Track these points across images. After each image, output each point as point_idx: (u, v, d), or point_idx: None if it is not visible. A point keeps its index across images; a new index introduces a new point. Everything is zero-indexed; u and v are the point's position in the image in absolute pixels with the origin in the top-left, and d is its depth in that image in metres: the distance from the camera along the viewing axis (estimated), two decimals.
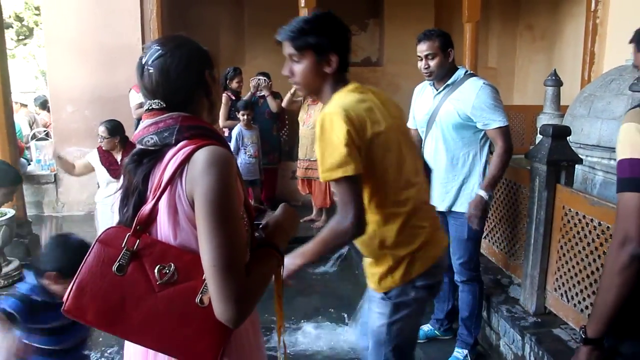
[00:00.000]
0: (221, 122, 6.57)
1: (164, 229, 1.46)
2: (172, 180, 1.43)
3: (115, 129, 4.87)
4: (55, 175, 7.30)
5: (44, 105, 9.22)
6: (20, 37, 17.86)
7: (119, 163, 4.95)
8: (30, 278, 2.40)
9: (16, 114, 7.36)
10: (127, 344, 1.61)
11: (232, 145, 6.28)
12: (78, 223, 6.91)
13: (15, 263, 5.05)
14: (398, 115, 2.24)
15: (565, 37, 9.67)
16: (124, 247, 1.43)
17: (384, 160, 2.07)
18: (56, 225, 6.92)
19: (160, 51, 1.52)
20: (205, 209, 1.39)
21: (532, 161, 3.48)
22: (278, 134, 6.65)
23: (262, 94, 6.71)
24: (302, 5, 7.19)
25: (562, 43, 9.71)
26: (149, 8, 7.15)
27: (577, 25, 9.01)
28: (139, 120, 6.24)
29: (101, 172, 4.88)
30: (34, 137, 8.14)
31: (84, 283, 1.42)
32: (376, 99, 2.14)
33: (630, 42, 2.15)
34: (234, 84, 6.74)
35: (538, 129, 5.67)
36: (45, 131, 8.39)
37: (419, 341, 3.94)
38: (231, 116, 6.48)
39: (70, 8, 7.06)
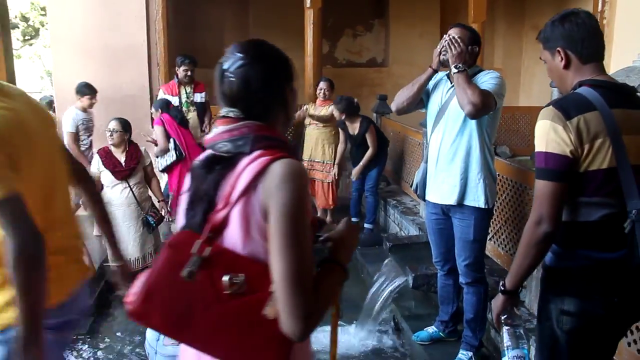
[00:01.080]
0: None
1: (233, 237, 1.43)
2: (247, 190, 1.41)
3: (127, 125, 5.01)
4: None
5: (50, 105, 9.21)
6: (26, 38, 17.93)
7: (123, 165, 4.95)
8: None
9: None
10: (183, 351, 1.61)
11: None
12: (82, 222, 6.90)
13: None
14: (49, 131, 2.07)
15: None
16: (195, 253, 1.40)
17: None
18: None
19: (243, 60, 1.50)
20: (280, 223, 1.37)
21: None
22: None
23: None
24: (308, 5, 7.18)
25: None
26: (155, 9, 7.17)
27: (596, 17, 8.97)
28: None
29: (105, 175, 4.87)
30: None
31: (153, 287, 1.42)
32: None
33: None
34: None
35: None
36: None
37: (424, 343, 3.95)
38: None
39: (76, 9, 7.09)
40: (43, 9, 17.28)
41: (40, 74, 22.15)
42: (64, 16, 7.10)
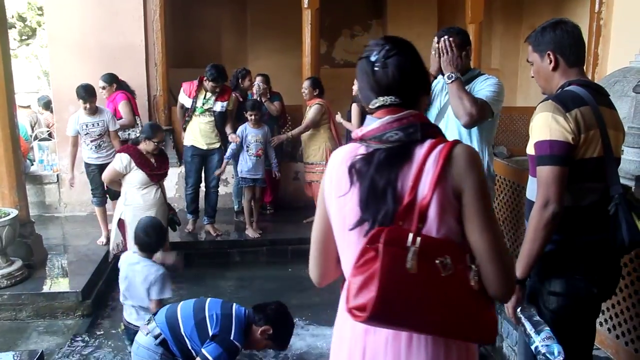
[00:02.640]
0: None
1: (429, 223, 1.51)
2: (441, 177, 1.49)
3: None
4: (57, 175, 7.30)
5: (47, 105, 9.20)
6: (23, 38, 17.87)
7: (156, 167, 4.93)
8: None
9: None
10: (358, 340, 1.64)
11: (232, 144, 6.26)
12: (80, 223, 6.92)
13: (18, 263, 5.03)
14: None
15: None
16: (411, 245, 1.45)
17: None
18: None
19: (393, 50, 1.59)
20: (480, 202, 1.51)
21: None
22: (279, 134, 6.68)
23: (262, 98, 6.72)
24: (306, 6, 7.18)
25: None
26: (152, 9, 7.16)
27: (580, 27, 8.98)
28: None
29: (135, 176, 4.80)
30: (36, 137, 8.14)
31: (387, 288, 1.43)
32: None
33: None
34: (246, 83, 6.86)
35: None
36: (48, 131, 8.39)
37: None
38: (239, 117, 6.50)
39: (74, 8, 7.07)
40: (40, 8, 17.21)
41: (37, 73, 22.07)
42: (61, 16, 7.08)
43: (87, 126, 5.77)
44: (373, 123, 1.59)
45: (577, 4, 9.29)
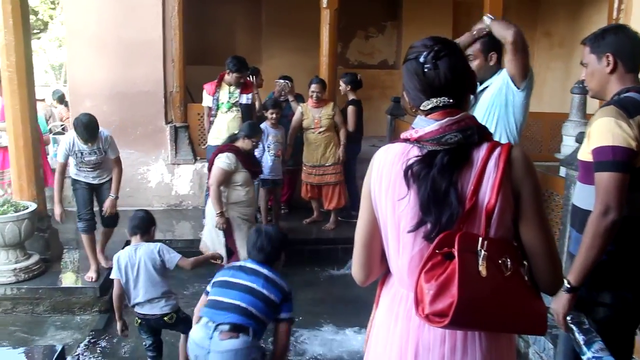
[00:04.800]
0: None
1: (483, 222, 1.54)
2: (504, 179, 1.52)
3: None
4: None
5: (61, 99, 9.20)
6: (35, 31, 17.86)
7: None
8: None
9: None
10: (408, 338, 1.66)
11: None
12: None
13: (35, 257, 5.01)
14: None
15: None
16: (480, 250, 1.50)
17: None
18: None
19: (443, 51, 1.60)
20: (537, 204, 1.57)
21: (568, 169, 3.44)
22: (301, 136, 6.56)
23: (285, 98, 6.65)
24: (324, 5, 7.14)
25: (581, 51, 9.62)
26: (171, 5, 7.12)
27: None
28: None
29: (241, 175, 4.76)
30: (50, 131, 8.12)
31: (465, 294, 1.45)
32: None
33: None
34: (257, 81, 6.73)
35: (563, 136, 5.63)
36: (62, 125, 8.37)
37: None
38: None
39: (92, 2, 7.04)
40: (53, 2, 17.25)
41: (44, 67, 22.10)
42: (80, 10, 7.06)
43: (82, 154, 4.82)
44: (430, 124, 1.58)
45: (594, 11, 9.26)
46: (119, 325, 3.74)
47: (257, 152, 6.18)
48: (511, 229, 1.58)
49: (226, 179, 4.71)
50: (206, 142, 6.49)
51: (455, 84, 1.59)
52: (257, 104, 6.34)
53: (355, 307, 4.92)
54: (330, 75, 7.06)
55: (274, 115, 6.07)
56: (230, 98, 6.08)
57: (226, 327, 2.82)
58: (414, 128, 1.64)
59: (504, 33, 3.12)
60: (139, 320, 3.68)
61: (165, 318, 3.58)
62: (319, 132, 6.24)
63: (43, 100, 9.35)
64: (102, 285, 4.88)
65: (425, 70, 1.59)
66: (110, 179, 5.01)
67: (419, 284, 1.53)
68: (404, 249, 1.64)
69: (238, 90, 6.08)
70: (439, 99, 1.59)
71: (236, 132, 5.97)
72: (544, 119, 7.82)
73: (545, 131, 7.84)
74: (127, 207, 6.94)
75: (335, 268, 6.05)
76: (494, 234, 1.54)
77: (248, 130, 4.88)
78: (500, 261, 1.50)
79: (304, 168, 6.46)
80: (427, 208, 1.55)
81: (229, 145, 4.90)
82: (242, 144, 4.81)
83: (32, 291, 4.78)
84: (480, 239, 1.50)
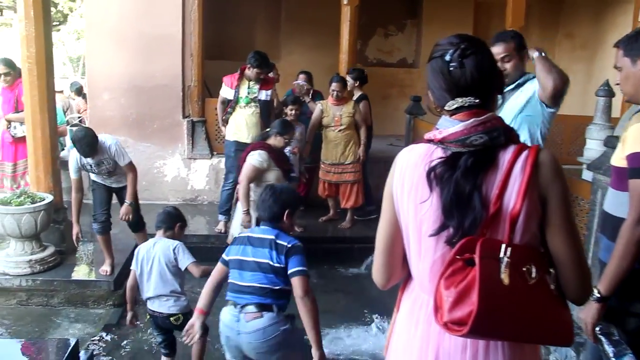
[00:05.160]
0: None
1: (515, 232, 1.48)
2: (530, 183, 1.46)
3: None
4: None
5: (79, 91, 9.21)
6: (55, 23, 17.94)
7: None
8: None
9: None
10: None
11: None
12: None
13: (51, 249, 5.00)
14: None
15: (607, 47, 9.42)
16: (503, 257, 1.43)
17: None
18: None
19: (469, 49, 1.53)
20: (565, 210, 1.50)
21: (595, 173, 3.35)
22: (320, 133, 6.49)
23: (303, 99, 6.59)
24: (345, 2, 7.09)
25: (604, 53, 9.50)
26: None
27: (621, 35, 8.80)
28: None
29: (273, 174, 4.70)
30: (68, 122, 8.12)
31: (485, 302, 1.40)
32: None
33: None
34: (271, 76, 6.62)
35: (587, 139, 5.53)
36: (79, 117, 8.38)
37: None
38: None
39: None
40: None
41: (62, 60, 22.20)
42: (100, 2, 7.04)
43: (91, 166, 4.69)
44: (455, 125, 1.52)
45: (619, 13, 9.12)
46: (129, 316, 3.75)
47: None
48: (537, 235, 1.51)
49: (257, 177, 4.64)
50: (222, 137, 6.41)
51: (481, 83, 1.54)
52: (275, 100, 6.29)
53: (369, 307, 4.88)
54: (347, 73, 6.98)
55: (293, 112, 6.01)
56: (249, 93, 6.00)
57: (250, 307, 2.84)
58: (437, 128, 1.58)
59: (545, 80, 2.99)
60: (149, 316, 3.67)
61: (172, 318, 3.52)
62: (339, 130, 6.17)
63: (61, 92, 9.36)
64: (117, 279, 4.86)
65: (451, 68, 1.53)
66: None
67: (439, 290, 1.49)
68: (425, 253, 1.59)
69: (257, 86, 6.00)
70: (464, 98, 1.53)
71: (257, 128, 5.96)
72: (565, 122, 7.70)
73: (566, 134, 7.73)
74: (143, 201, 6.89)
75: (350, 267, 6.00)
76: (519, 240, 1.48)
77: (280, 127, 4.81)
78: (524, 269, 1.44)
79: (322, 166, 6.38)
80: (450, 212, 1.50)
81: (261, 142, 4.83)
82: (274, 141, 4.74)
83: (47, 283, 4.77)
84: (503, 245, 1.44)
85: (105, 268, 4.93)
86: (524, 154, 1.48)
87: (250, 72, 5.92)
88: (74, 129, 5.29)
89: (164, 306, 3.52)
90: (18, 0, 4.92)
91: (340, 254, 6.16)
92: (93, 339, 4.27)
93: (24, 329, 4.42)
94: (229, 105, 6.08)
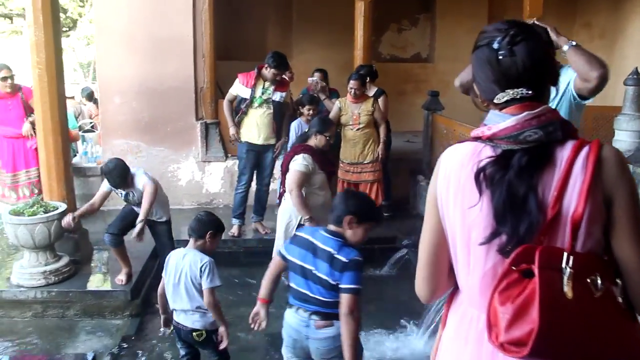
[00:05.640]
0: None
1: (568, 234, 1.32)
2: (593, 182, 1.30)
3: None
4: (101, 168, 7.12)
5: (90, 96, 9.12)
6: (64, 29, 17.94)
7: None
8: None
9: None
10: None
11: (290, 139, 6.01)
12: None
13: (65, 259, 4.87)
14: None
15: (628, 36, 9.25)
16: (565, 267, 1.26)
17: None
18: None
19: (519, 35, 1.39)
20: (633, 211, 1.33)
21: (635, 166, 3.18)
22: (338, 133, 6.32)
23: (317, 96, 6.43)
24: None
25: (624, 42, 9.29)
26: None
27: None
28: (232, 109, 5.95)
29: (318, 178, 4.53)
30: (80, 128, 8.02)
31: (548, 320, 1.24)
32: None
33: None
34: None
35: (616, 130, 5.32)
36: (91, 123, 8.28)
37: None
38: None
39: None
40: (82, 0, 17.29)
41: (73, 65, 22.24)
42: (110, 6, 6.92)
43: (122, 195, 4.65)
44: (506, 120, 1.37)
45: (638, 2, 8.89)
46: (162, 320, 3.61)
47: (289, 148, 5.99)
48: (601, 242, 1.35)
49: (306, 182, 4.44)
50: (237, 139, 6.07)
51: (534, 72, 1.39)
52: (290, 100, 6.14)
53: (389, 310, 4.76)
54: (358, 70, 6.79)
55: (310, 112, 5.86)
56: (263, 93, 5.83)
57: (319, 316, 2.81)
58: (485, 124, 1.43)
59: (588, 70, 2.78)
60: (172, 328, 3.51)
61: (195, 333, 3.36)
62: (358, 129, 5.99)
63: (72, 97, 9.29)
64: (133, 288, 4.74)
65: (500, 57, 1.39)
66: (163, 219, 4.78)
67: (493, 305, 1.32)
68: (475, 264, 1.44)
69: (272, 87, 5.83)
70: (515, 90, 1.39)
71: (269, 129, 5.80)
72: (585, 113, 7.49)
73: (587, 125, 7.52)
74: None
75: (371, 269, 5.83)
76: (581, 247, 1.32)
77: (319, 125, 4.57)
78: (588, 280, 1.28)
79: (341, 165, 6.19)
80: (503, 216, 1.35)
81: (302, 145, 4.60)
82: (316, 141, 4.52)
83: (62, 294, 4.65)
84: (566, 254, 1.27)
85: (121, 277, 4.78)
86: (585, 150, 1.33)
87: (267, 72, 5.74)
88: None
89: (189, 320, 3.37)
90: (27, 6, 4.81)
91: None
92: (111, 350, 4.14)
93: (40, 342, 4.32)
94: (245, 105, 5.84)
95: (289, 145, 5.98)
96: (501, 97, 1.41)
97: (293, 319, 2.89)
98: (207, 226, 3.41)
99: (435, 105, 7.31)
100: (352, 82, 5.98)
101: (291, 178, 4.40)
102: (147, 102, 7.01)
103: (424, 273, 1.59)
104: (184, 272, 3.32)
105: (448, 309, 1.62)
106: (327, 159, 4.62)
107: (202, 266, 3.29)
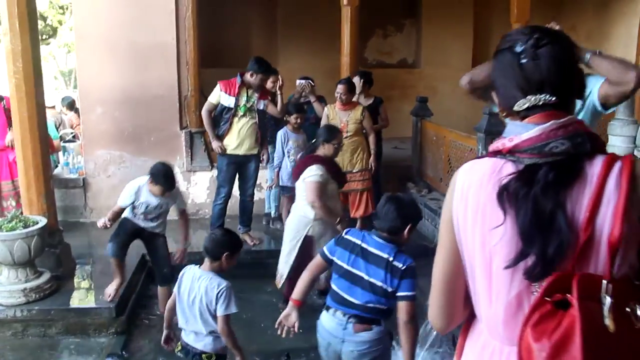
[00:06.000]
0: (280, 113, 6.10)
1: (604, 259, 1.19)
2: (628, 205, 1.17)
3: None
4: (83, 179, 6.95)
5: (71, 105, 8.91)
6: (44, 37, 17.66)
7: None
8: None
9: None
10: None
11: (277, 149, 5.88)
12: (108, 230, 6.48)
13: (47, 275, 4.67)
14: None
15: (614, 38, 9.25)
16: (605, 296, 1.13)
17: None
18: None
19: (544, 38, 1.29)
20: None
21: None
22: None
23: (307, 99, 6.30)
24: (345, 3, 6.82)
25: (610, 45, 9.28)
26: (185, 5, 6.79)
27: (628, 25, 8.59)
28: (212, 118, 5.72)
29: (331, 188, 4.40)
30: (61, 138, 7.82)
31: (590, 357, 1.10)
32: None
33: None
34: (269, 84, 6.20)
35: (610, 136, 5.25)
36: (72, 133, 8.07)
37: None
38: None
39: (102, 5, 6.71)
40: (62, 7, 17.03)
41: (54, 74, 21.94)
42: (90, 12, 6.74)
43: (147, 207, 4.38)
44: (530, 130, 1.25)
45: (625, 3, 8.88)
46: (164, 335, 3.45)
47: (276, 159, 5.86)
48: (635, 266, 1.23)
49: (324, 191, 4.31)
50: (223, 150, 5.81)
51: (559, 78, 1.29)
52: (278, 107, 5.99)
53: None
54: (353, 76, 6.68)
55: (298, 120, 5.73)
56: (247, 102, 5.66)
57: (358, 320, 2.82)
58: (505, 137, 1.30)
59: (622, 75, 2.61)
60: (180, 347, 3.34)
61: (204, 355, 3.21)
62: (345, 137, 5.87)
63: (53, 107, 9.06)
64: (119, 304, 4.55)
65: (522, 61, 1.30)
66: (163, 232, 4.62)
67: (525, 341, 1.18)
68: (497, 292, 1.30)
69: (257, 95, 5.68)
70: (538, 96, 1.28)
71: (252, 139, 5.64)
72: None
73: None
74: None
75: None
76: (616, 273, 1.19)
77: (326, 134, 4.45)
78: (627, 309, 1.16)
79: None
80: (529, 236, 1.22)
81: (312, 156, 4.46)
82: (325, 150, 4.39)
83: (43, 312, 4.45)
84: (605, 282, 1.15)
85: (109, 291, 4.54)
86: (617, 166, 1.21)
87: (253, 79, 5.56)
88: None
89: (199, 343, 3.21)
90: (2, 13, 4.61)
91: None
92: None
93: None
94: (231, 114, 5.63)
95: (275, 155, 5.85)
96: (522, 104, 1.30)
97: (330, 321, 2.88)
98: (224, 247, 3.22)
99: (424, 111, 7.23)
100: (339, 86, 5.87)
101: (310, 191, 4.28)
102: (130, 111, 6.84)
103: (440, 301, 1.46)
104: (199, 296, 3.15)
105: (464, 339, 1.50)
106: (338, 169, 4.51)
107: (218, 292, 3.10)
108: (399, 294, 2.73)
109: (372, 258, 2.79)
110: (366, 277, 2.78)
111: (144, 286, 5.29)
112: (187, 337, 3.25)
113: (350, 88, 5.95)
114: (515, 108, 1.31)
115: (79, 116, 7.66)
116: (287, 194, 5.87)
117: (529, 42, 1.29)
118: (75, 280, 5.06)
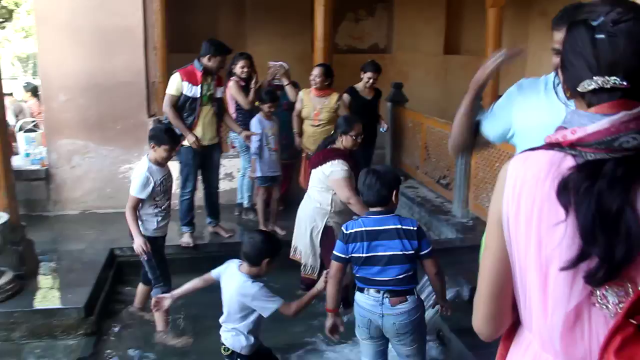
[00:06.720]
0: (247, 105, 5.93)
1: None
2: None
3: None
4: (46, 170, 6.62)
5: (34, 92, 8.51)
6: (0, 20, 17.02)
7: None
8: None
9: None
10: None
11: (256, 138, 5.63)
12: (73, 224, 6.27)
13: (9, 275, 4.39)
14: None
15: None
16: None
17: None
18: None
19: (626, 13, 1.11)
20: None
21: None
22: (289, 121, 5.97)
23: (279, 83, 6.08)
24: None
25: None
26: None
27: None
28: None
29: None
30: (21, 128, 7.46)
31: None
32: None
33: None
34: (237, 69, 5.99)
35: None
36: (33, 121, 7.71)
37: None
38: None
39: None
40: None
41: (10, 59, 21.23)
42: None
43: (162, 180, 4.17)
44: (597, 122, 1.09)
45: None
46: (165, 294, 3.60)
47: (253, 148, 5.63)
48: None
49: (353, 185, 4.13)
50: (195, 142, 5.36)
51: (636, 61, 1.10)
52: (251, 94, 5.77)
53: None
54: (326, 61, 6.46)
55: (272, 109, 5.53)
56: (209, 90, 5.33)
57: (393, 294, 2.93)
58: (566, 127, 1.14)
59: None
60: (225, 350, 3.34)
61: (222, 347, 3.27)
62: (318, 125, 5.67)
63: (11, 94, 8.66)
64: (87, 304, 4.31)
65: (597, 37, 1.12)
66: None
67: None
68: (555, 303, 1.16)
69: (213, 83, 5.37)
70: (606, 77, 1.10)
71: (213, 128, 5.40)
72: None
73: None
74: (110, 209, 6.40)
75: None
76: None
77: (344, 125, 4.23)
78: None
79: (306, 154, 5.78)
80: (592, 235, 1.07)
81: (332, 150, 4.26)
82: (344, 142, 4.19)
83: (6, 315, 4.17)
84: None
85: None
86: None
87: (212, 62, 5.22)
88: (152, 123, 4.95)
89: (224, 334, 3.27)
90: None
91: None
92: None
93: None
94: (197, 105, 5.27)
95: (252, 143, 5.60)
96: (587, 85, 1.13)
97: (366, 300, 2.97)
98: (265, 253, 3.14)
99: (398, 97, 7.09)
100: (315, 69, 5.67)
101: (342, 188, 4.13)
102: (94, 98, 6.53)
103: (488, 309, 1.32)
104: (233, 294, 3.17)
105: (505, 347, 1.37)
106: (355, 163, 4.30)
107: (253, 297, 3.12)
108: (423, 252, 2.92)
109: (381, 235, 2.91)
110: (383, 254, 2.90)
111: (114, 283, 5.07)
112: (221, 328, 3.31)
113: (325, 72, 5.74)
114: (579, 89, 1.15)
115: (40, 104, 7.32)
116: (264, 184, 5.66)
117: (609, 15, 1.13)
118: (40, 278, 4.78)
